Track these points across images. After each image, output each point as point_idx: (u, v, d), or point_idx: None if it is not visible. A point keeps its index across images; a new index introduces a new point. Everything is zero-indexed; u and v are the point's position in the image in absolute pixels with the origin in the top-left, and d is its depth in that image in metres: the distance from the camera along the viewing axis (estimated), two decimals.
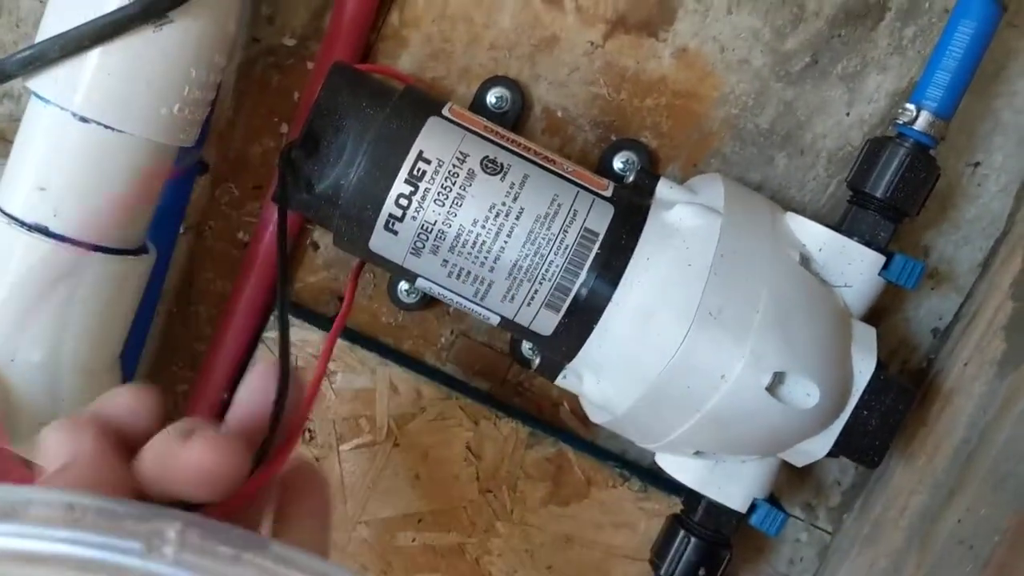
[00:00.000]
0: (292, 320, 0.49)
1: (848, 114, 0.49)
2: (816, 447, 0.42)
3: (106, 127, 0.38)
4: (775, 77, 0.49)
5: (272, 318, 0.50)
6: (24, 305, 0.39)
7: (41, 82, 0.39)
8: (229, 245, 0.52)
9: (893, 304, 0.51)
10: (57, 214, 0.39)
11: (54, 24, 0.38)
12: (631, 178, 0.45)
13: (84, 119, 0.38)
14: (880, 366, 0.42)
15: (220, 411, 0.51)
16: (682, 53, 0.49)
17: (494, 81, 0.49)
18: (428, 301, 0.51)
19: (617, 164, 0.49)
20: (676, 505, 0.49)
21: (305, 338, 0.49)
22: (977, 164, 0.49)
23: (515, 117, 0.49)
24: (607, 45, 0.49)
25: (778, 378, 0.39)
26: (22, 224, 0.39)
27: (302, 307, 0.51)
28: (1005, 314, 0.47)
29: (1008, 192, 0.49)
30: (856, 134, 0.49)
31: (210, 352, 0.50)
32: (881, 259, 0.43)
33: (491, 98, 0.49)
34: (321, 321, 0.50)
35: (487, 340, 0.52)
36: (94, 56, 0.38)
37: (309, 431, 0.50)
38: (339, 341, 0.49)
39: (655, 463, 0.47)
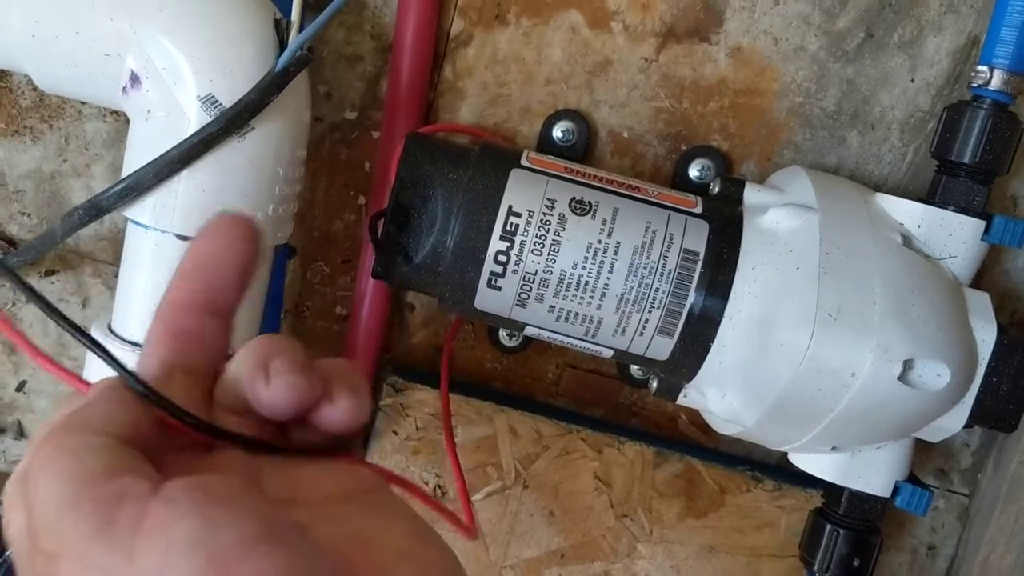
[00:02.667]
0: (404, 384, 0.50)
1: (912, 80, 0.49)
2: (952, 422, 0.42)
3: None
4: (833, 58, 0.49)
5: (384, 385, 0.50)
6: None
7: (138, 210, 0.40)
8: (328, 321, 0.53)
9: (989, 258, 0.50)
10: None
11: (140, 154, 0.39)
12: (715, 188, 0.45)
13: (184, 237, 0.40)
14: (1001, 330, 0.42)
15: None
16: (736, 52, 0.49)
17: (556, 116, 0.50)
18: (529, 340, 0.52)
19: (693, 173, 0.50)
20: (813, 498, 0.49)
21: (420, 399, 0.50)
22: None
23: (583, 147, 0.50)
24: (660, 58, 0.49)
25: (908, 365, 0.39)
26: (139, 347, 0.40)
27: (410, 369, 0.52)
28: None
29: None
30: (924, 99, 0.49)
31: None
32: (981, 224, 0.42)
33: (557, 132, 0.50)
34: (431, 379, 0.51)
35: (594, 367, 0.53)
36: (184, 176, 0.39)
37: (439, 488, 0.51)
38: (453, 396, 0.50)
39: (784, 459, 0.47)
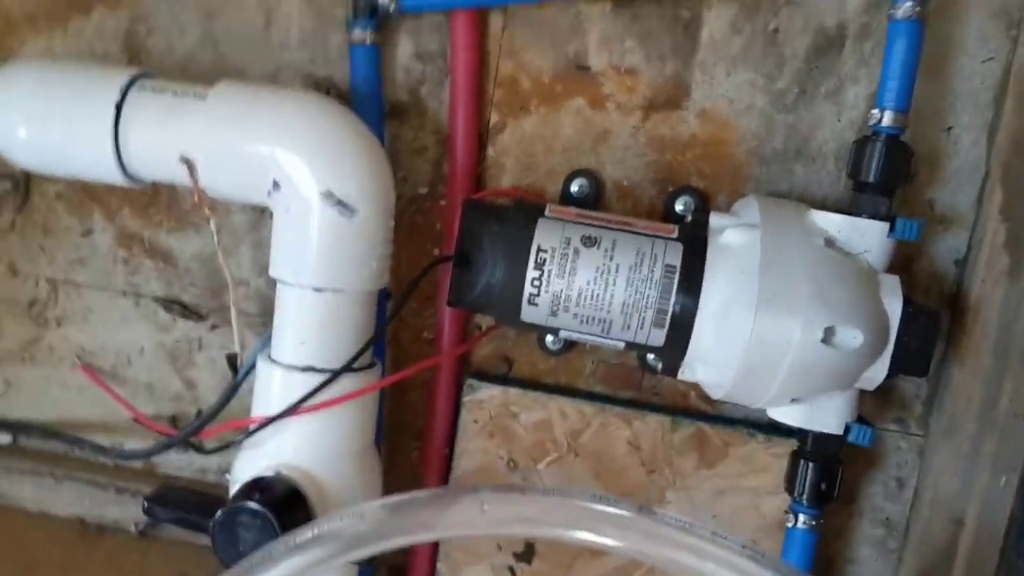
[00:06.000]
0: (477, 384, 0.67)
1: (839, 120, 0.64)
2: (876, 373, 0.57)
3: (334, 291, 0.57)
4: (776, 110, 0.65)
5: (465, 386, 0.68)
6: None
7: (279, 271, 0.58)
8: (420, 344, 0.71)
9: (919, 251, 0.65)
10: (317, 356, 0.58)
11: (284, 237, 0.57)
12: (689, 218, 0.61)
13: (318, 289, 0.57)
14: (908, 302, 0.57)
15: (444, 465, 0.69)
16: (702, 114, 0.65)
17: (572, 175, 0.66)
18: (569, 345, 0.68)
19: (679, 207, 0.66)
20: (794, 444, 0.64)
21: (491, 395, 0.67)
22: (950, 128, 0.64)
23: (595, 196, 0.66)
24: (646, 124, 0.66)
25: (829, 332, 0.54)
26: (295, 368, 0.58)
27: (482, 373, 0.69)
28: (1002, 235, 0.61)
29: (979, 142, 0.63)
30: (849, 134, 0.64)
31: (428, 422, 0.69)
32: (886, 225, 0.57)
33: (574, 187, 0.66)
34: (498, 379, 0.68)
35: (620, 361, 0.69)
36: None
37: (512, 461, 0.68)
38: (515, 390, 0.67)
39: (770, 418, 0.62)
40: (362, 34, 0.64)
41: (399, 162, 0.68)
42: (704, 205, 0.66)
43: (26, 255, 0.71)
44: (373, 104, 0.65)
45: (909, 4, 0.57)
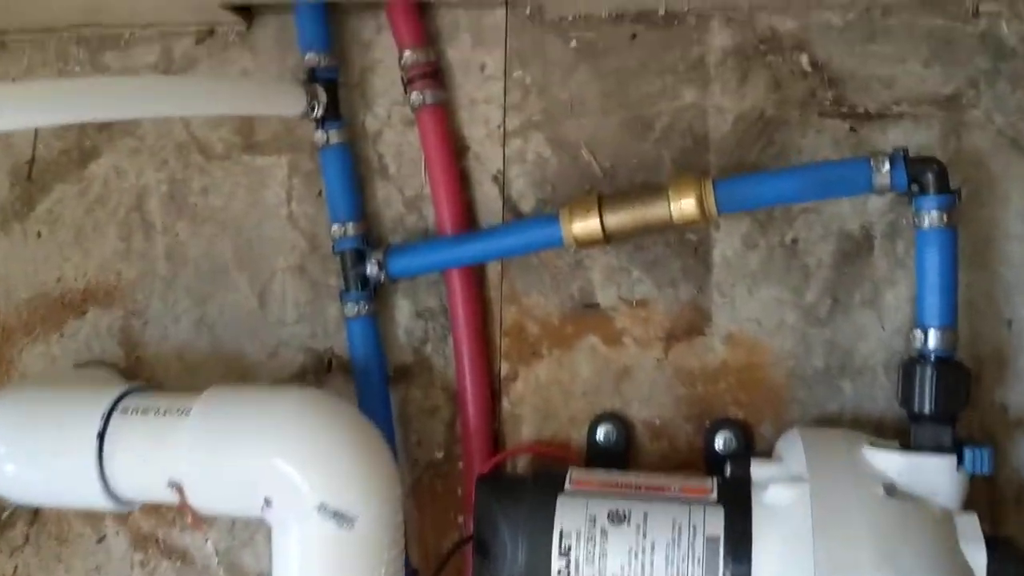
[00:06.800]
0: None
1: (883, 328, 0.58)
2: None
3: None
4: (810, 324, 0.59)
5: None
6: None
7: None
8: None
9: (1002, 460, 0.57)
10: None
11: (283, 555, 0.53)
12: (728, 470, 0.55)
13: None
14: (992, 546, 0.49)
15: None
16: (729, 338, 0.60)
17: (597, 420, 0.61)
18: None
19: (718, 445, 0.59)
20: None
21: None
22: (1010, 321, 0.57)
23: (625, 442, 0.60)
24: (669, 356, 0.60)
25: None
26: None
27: None
28: None
29: None
30: (898, 340, 0.58)
31: None
32: (953, 459, 0.50)
33: (600, 435, 0.61)
34: None
35: None
36: None
37: None
38: None
39: None
40: (355, 307, 0.61)
41: (411, 426, 0.64)
42: (747, 439, 0.59)
43: (42, 568, 0.68)
44: (375, 373, 0.61)
45: (936, 212, 0.51)
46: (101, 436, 0.54)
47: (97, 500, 0.55)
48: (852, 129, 0.58)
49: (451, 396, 0.63)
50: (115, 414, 0.54)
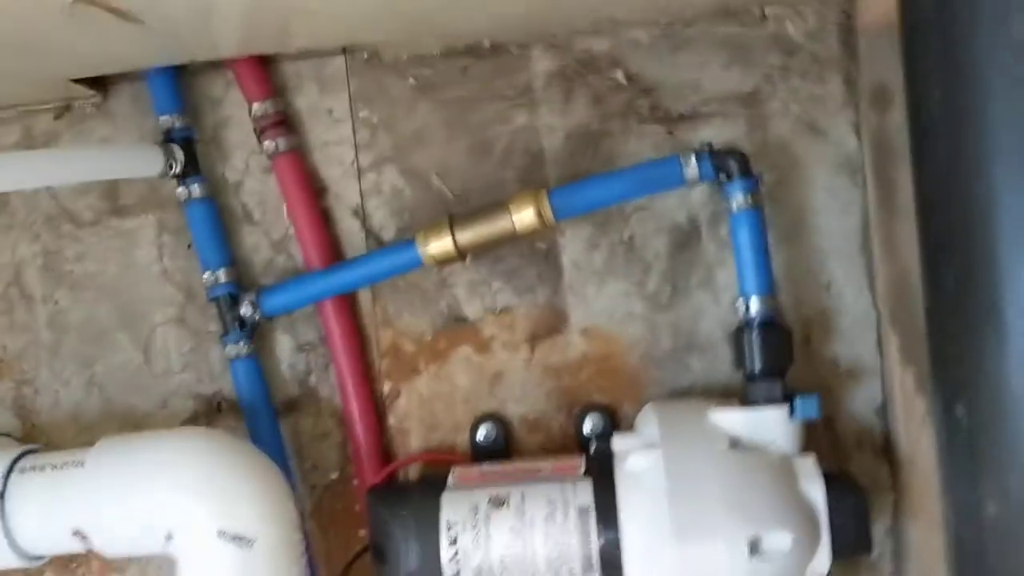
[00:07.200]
0: None
1: (718, 305, 0.64)
2: (820, 564, 0.55)
3: None
4: (655, 311, 0.65)
5: None
6: None
7: None
8: None
9: (838, 407, 0.64)
10: None
11: None
12: (593, 447, 0.60)
13: None
14: (829, 482, 0.55)
15: None
16: (585, 332, 0.65)
17: (477, 422, 0.66)
18: None
19: (587, 428, 0.64)
20: None
21: None
22: (829, 284, 0.64)
23: (503, 438, 0.65)
24: (535, 356, 0.66)
25: (754, 544, 0.52)
26: None
27: None
28: (910, 379, 0.60)
29: (862, 291, 0.63)
30: (733, 315, 0.63)
31: None
32: (785, 408, 0.56)
33: (480, 436, 0.65)
34: None
35: None
36: None
37: None
38: None
39: None
40: (236, 348, 0.64)
41: (304, 453, 0.67)
42: (612, 420, 0.65)
43: None
44: (262, 408, 0.65)
45: (742, 196, 0.58)
46: (1, 496, 0.56)
47: (4, 557, 0.57)
48: (669, 132, 0.65)
49: (340, 421, 0.67)
50: (13, 475, 0.57)
